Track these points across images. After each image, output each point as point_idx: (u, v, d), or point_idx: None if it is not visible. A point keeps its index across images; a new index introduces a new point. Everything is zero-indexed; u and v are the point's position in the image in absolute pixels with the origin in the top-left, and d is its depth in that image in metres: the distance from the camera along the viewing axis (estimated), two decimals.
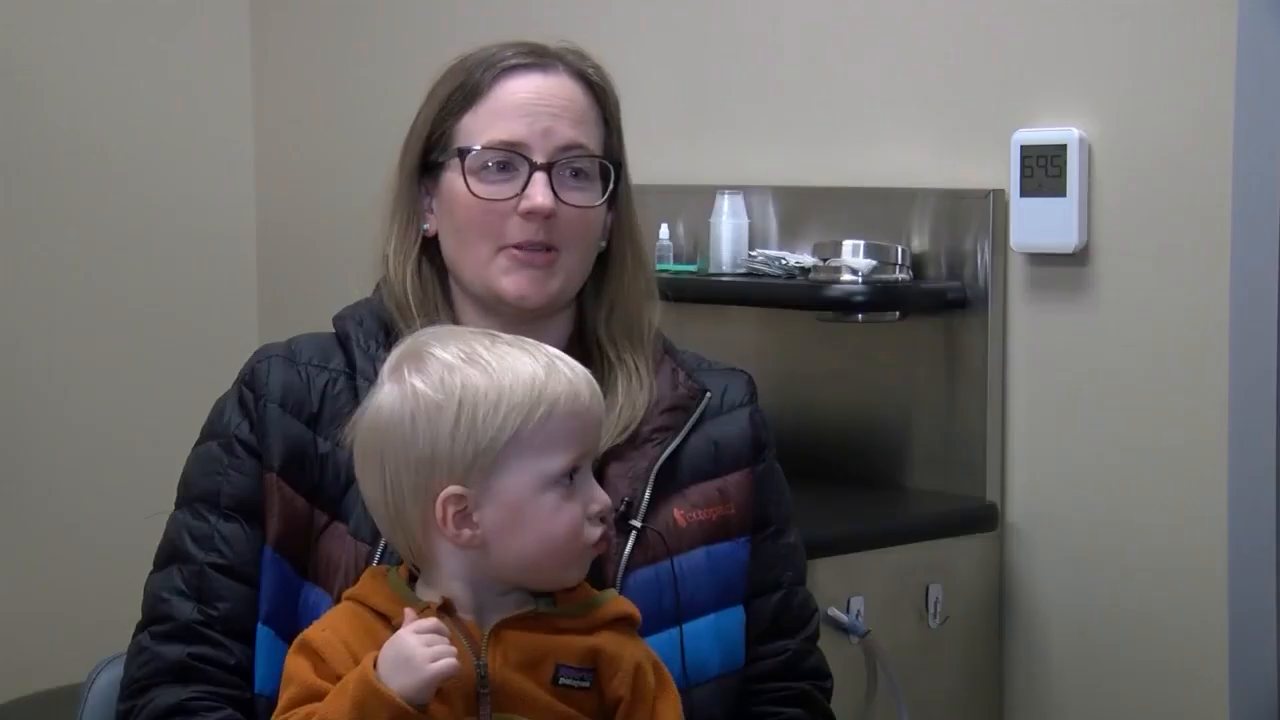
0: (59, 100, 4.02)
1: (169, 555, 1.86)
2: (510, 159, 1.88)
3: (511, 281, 1.88)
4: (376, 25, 3.98)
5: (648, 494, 1.86)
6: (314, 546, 1.83)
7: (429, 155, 1.94)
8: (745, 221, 3.17)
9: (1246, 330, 2.68)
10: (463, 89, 1.92)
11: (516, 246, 1.88)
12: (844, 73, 3.16)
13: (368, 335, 1.91)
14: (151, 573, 1.87)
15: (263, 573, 1.82)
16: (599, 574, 1.80)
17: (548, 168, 1.88)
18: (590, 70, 1.95)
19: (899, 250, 2.96)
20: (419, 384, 1.67)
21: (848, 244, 2.97)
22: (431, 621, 1.63)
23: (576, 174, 1.90)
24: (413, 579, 1.73)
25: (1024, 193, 2.87)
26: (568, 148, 1.89)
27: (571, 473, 1.68)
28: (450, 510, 1.66)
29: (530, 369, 1.68)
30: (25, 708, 3.46)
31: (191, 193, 4.18)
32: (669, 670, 1.77)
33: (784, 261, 3.04)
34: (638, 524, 1.84)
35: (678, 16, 3.41)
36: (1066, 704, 2.91)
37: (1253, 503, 2.70)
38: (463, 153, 1.89)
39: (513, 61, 1.92)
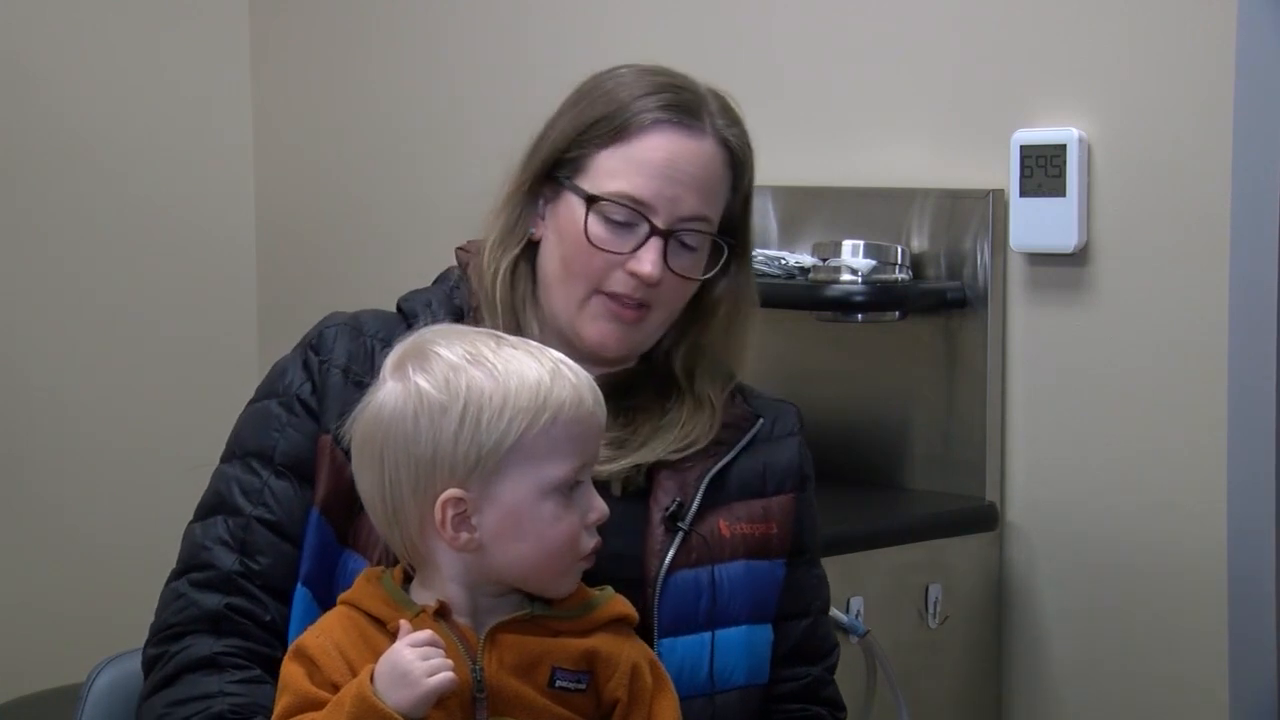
0: (58, 101, 4.02)
1: (214, 506, 1.87)
2: (632, 217, 1.89)
3: (597, 329, 1.90)
4: (376, 25, 3.98)
5: (698, 500, 1.88)
6: (358, 514, 1.83)
7: (555, 170, 1.94)
8: None
9: (1246, 330, 2.68)
10: (609, 122, 1.91)
11: (612, 295, 1.89)
12: (844, 73, 3.16)
13: (437, 319, 1.91)
14: (191, 523, 1.89)
15: (307, 534, 1.83)
16: (641, 570, 1.83)
17: (665, 235, 1.89)
18: (733, 139, 1.94)
19: (899, 250, 2.96)
20: (423, 383, 1.67)
21: (847, 244, 2.96)
22: (426, 634, 1.62)
23: (687, 242, 1.91)
24: (408, 579, 1.73)
25: (1024, 193, 2.87)
26: (690, 218, 1.90)
27: (572, 481, 1.68)
28: (449, 513, 1.66)
29: (536, 373, 1.68)
30: (25, 708, 3.46)
31: (191, 192, 4.17)
32: (699, 673, 1.81)
33: (784, 261, 3.04)
34: (685, 527, 1.86)
35: (676, 16, 3.40)
36: (1066, 704, 2.91)
37: (1252, 502, 2.69)
38: (590, 199, 1.89)
39: (664, 116, 1.91)
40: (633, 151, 1.90)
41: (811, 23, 3.20)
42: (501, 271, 1.93)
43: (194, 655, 1.80)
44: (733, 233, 1.96)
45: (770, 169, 3.26)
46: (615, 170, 1.90)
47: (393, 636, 1.64)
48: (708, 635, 1.85)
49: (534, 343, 1.74)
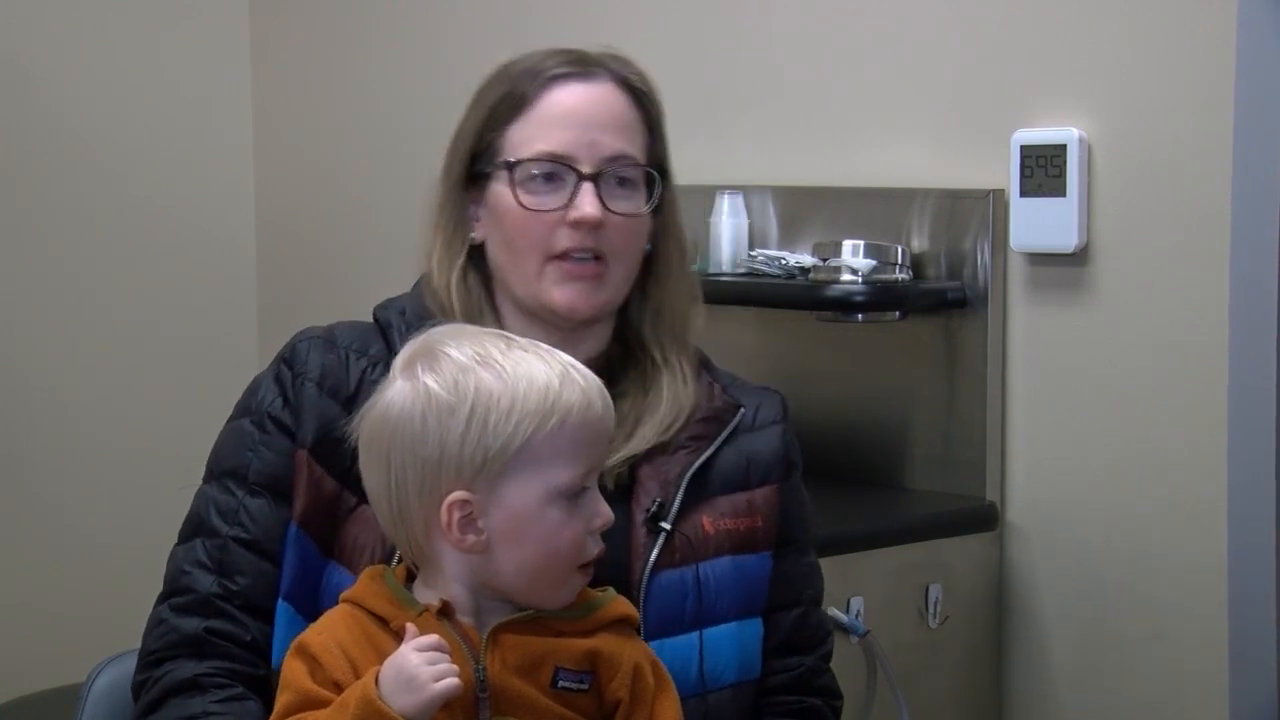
0: (58, 101, 4.02)
1: (194, 528, 1.88)
2: (557, 170, 1.90)
3: (561, 293, 1.90)
4: (376, 25, 3.98)
5: (679, 499, 1.88)
6: (340, 527, 1.84)
7: (475, 165, 1.95)
8: (745, 221, 3.17)
9: (1246, 330, 2.68)
10: (508, 99, 1.94)
11: (565, 257, 1.90)
12: (844, 73, 3.16)
13: (410, 327, 1.91)
14: (176, 545, 1.89)
15: (286, 549, 1.84)
16: (625, 573, 1.82)
17: (594, 178, 1.90)
18: (633, 77, 1.97)
19: (899, 250, 2.96)
20: (431, 383, 1.67)
21: (848, 244, 2.96)
22: (433, 638, 1.62)
23: (622, 183, 1.92)
24: (410, 578, 1.72)
25: (1024, 193, 2.87)
26: (614, 158, 1.91)
27: (579, 487, 1.68)
28: (456, 515, 1.65)
29: (545, 376, 1.67)
30: (25, 708, 3.46)
31: (191, 192, 4.18)
32: (689, 673, 1.80)
33: (784, 261, 3.04)
34: (667, 526, 1.86)
35: (677, 16, 3.40)
36: (1066, 704, 2.91)
37: (1252, 503, 2.70)
38: (510, 165, 1.91)
39: (557, 71, 1.94)
40: (538, 114, 1.92)
41: (811, 23, 3.20)
42: (453, 283, 1.94)
43: (177, 678, 1.81)
44: (657, 170, 1.96)
45: (770, 169, 3.29)
46: (528, 137, 1.92)
47: (396, 635, 1.64)
48: (695, 635, 1.85)
49: (544, 346, 1.73)
